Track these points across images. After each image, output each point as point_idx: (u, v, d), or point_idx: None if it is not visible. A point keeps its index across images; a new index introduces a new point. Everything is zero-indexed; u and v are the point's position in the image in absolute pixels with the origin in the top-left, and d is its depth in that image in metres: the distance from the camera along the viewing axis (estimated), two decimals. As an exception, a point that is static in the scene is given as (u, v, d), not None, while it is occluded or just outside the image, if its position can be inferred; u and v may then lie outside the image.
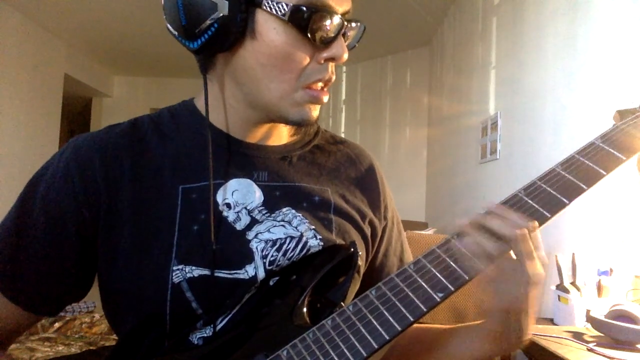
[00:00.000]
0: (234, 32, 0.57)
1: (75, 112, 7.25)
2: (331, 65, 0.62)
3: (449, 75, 4.31)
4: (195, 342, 0.60)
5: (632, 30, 1.69)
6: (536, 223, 0.54)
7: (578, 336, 1.34)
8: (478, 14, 3.52)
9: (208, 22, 0.57)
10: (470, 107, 3.62)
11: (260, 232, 0.63)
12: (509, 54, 2.93)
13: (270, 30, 0.58)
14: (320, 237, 0.64)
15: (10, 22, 4.45)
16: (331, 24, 0.58)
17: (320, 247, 0.64)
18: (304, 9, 0.56)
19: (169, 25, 0.62)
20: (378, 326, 0.51)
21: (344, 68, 5.67)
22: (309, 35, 0.57)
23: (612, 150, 0.59)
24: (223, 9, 0.56)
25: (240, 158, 0.66)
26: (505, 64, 2.99)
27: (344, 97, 5.71)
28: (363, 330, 0.51)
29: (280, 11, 0.56)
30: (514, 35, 2.83)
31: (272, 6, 0.56)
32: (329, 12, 0.58)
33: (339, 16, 0.59)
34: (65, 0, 4.26)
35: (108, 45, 5.41)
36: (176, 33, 0.61)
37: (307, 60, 0.60)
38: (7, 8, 4.37)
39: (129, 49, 5.46)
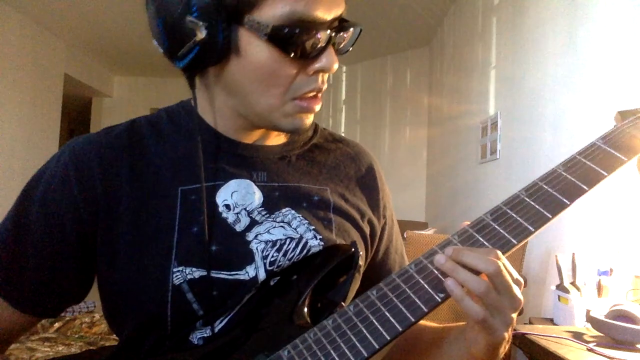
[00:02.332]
0: (217, 51, 0.57)
1: (75, 112, 7.25)
2: (322, 75, 0.61)
3: (449, 75, 4.31)
4: (196, 342, 0.60)
5: (632, 30, 1.69)
6: (499, 253, 0.52)
7: (578, 336, 1.34)
8: (478, 14, 3.52)
9: (189, 45, 0.56)
10: (470, 107, 3.63)
11: (260, 233, 0.63)
12: (509, 54, 2.93)
13: (253, 48, 0.57)
14: (321, 237, 0.64)
15: (10, 22, 4.45)
16: (317, 37, 0.57)
17: (321, 247, 0.64)
18: (285, 29, 0.54)
19: (155, 43, 0.61)
20: (379, 327, 0.51)
21: (344, 68, 5.67)
22: (292, 53, 0.56)
23: (613, 151, 0.59)
24: (201, 32, 0.55)
25: (239, 159, 0.66)
26: (505, 64, 2.99)
27: (344, 97, 5.71)
28: (364, 331, 0.51)
29: (262, 31, 0.55)
30: (514, 35, 2.83)
31: (253, 25, 0.55)
32: (314, 26, 0.56)
33: (326, 28, 0.57)
34: (65, 0, 4.26)
35: (108, 45, 5.41)
36: (162, 52, 0.61)
37: (294, 74, 0.59)
38: (7, 8, 4.37)
39: (129, 49, 5.45)
